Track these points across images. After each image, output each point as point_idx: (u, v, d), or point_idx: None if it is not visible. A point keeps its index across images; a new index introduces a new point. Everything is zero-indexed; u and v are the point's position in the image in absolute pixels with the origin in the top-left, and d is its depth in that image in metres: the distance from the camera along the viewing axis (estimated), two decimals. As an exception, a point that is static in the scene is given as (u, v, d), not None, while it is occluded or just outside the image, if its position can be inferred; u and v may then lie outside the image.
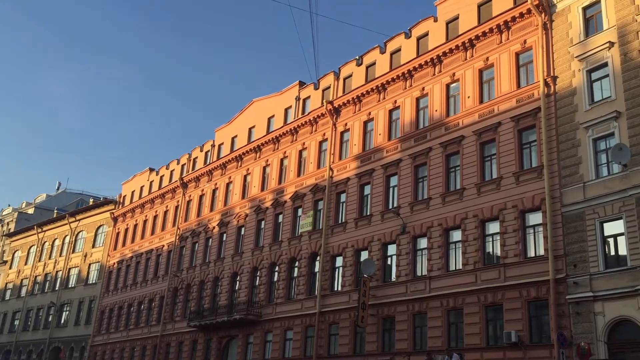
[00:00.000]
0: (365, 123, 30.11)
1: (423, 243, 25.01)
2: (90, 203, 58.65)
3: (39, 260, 59.31)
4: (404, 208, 26.09)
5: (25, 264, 61.24)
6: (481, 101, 24.48)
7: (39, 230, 60.13)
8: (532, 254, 21.00)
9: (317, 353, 27.71)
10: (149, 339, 40.97)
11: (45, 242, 59.94)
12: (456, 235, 23.79)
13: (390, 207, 27.09)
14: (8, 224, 68.89)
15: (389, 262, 26.48)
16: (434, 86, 26.70)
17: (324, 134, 32.35)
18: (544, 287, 19.97)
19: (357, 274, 27.62)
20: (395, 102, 28.51)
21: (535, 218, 21.29)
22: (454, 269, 23.44)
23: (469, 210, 23.32)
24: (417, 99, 27.50)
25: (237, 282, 35.20)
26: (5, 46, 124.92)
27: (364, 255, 27.60)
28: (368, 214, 28.01)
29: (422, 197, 25.75)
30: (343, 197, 29.97)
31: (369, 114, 29.84)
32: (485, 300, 21.64)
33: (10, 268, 63.40)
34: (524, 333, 20.09)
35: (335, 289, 28.62)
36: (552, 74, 21.96)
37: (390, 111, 28.80)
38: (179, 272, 40.46)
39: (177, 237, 42.10)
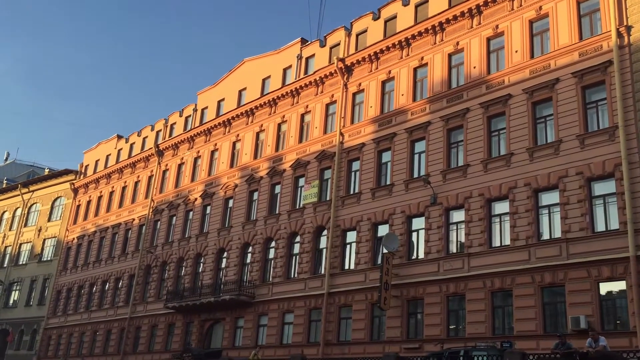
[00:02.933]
0: (384, 83, 26.76)
1: (459, 216, 21.92)
2: (46, 173, 53.27)
3: (-15, 235, 53.56)
4: (435, 176, 22.92)
5: (-31, 238, 55.27)
6: (532, 56, 21.48)
7: (-14, 201, 54.33)
8: (602, 228, 18.14)
9: (324, 339, 24.33)
10: (115, 321, 36.64)
11: (-8, 215, 54.21)
12: (501, 207, 20.76)
13: (416, 175, 23.89)
14: (-51, 194, 62.21)
15: (414, 238, 23.30)
16: (472, 40, 23.57)
17: (332, 96, 28.82)
18: (620, 266, 17.17)
19: (374, 250, 24.36)
20: (422, 59, 25.26)
21: (605, 187, 18.43)
22: (499, 245, 20.44)
23: (519, 179, 20.32)
24: (450, 55, 24.32)
25: (224, 260, 31.37)
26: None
27: (383, 229, 24.35)
28: (388, 183, 24.73)
29: (457, 164, 22.64)
30: (356, 165, 26.58)
31: (389, 72, 26.49)
32: (542, 281, 18.70)
33: (-50, 242, 57.24)
34: (594, 318, 17.25)
35: (347, 267, 25.26)
36: (625, 23, 19.14)
37: (416, 69, 25.53)
38: (153, 248, 36.23)
39: (151, 210, 37.80)
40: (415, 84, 25.41)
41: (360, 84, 27.67)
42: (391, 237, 23.08)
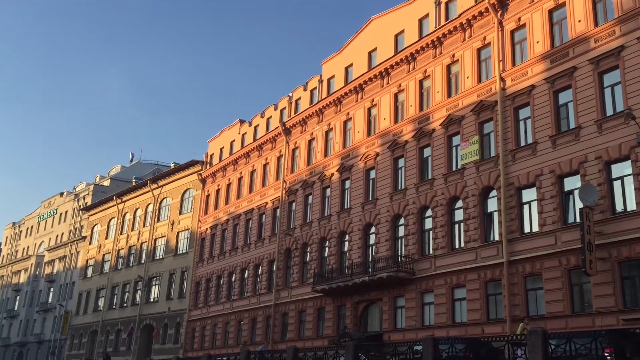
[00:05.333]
0: (551, 12, 22.68)
1: (680, 153, 17.66)
2: (172, 167, 53.42)
3: (121, 233, 54.80)
4: (639, 111, 18.71)
5: (106, 238, 56.92)
6: None
7: (119, 201, 55.55)
8: None
9: (510, 314, 20.87)
10: (260, 309, 35.16)
11: (126, 214, 55.34)
12: None
13: (610, 113, 19.76)
14: (84, 197, 64.86)
15: (616, 187, 19.24)
16: (671, -62, 19.05)
17: (484, 38, 25.10)
18: None
19: (562, 207, 20.53)
20: (602, -26, 20.97)
21: None
22: None
23: None
24: (641, -37, 19.88)
25: (373, 235, 28.63)
26: (68, 48, 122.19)
27: (571, 182, 20.51)
28: (573, 127, 20.76)
29: (670, 91, 18.32)
30: (525, 112, 22.80)
31: (557, -1, 22.42)
32: None
33: (90, 244, 59.38)
34: None
35: (528, 230, 21.61)
36: None
37: (594, -12, 21.31)
38: (291, 230, 34.30)
39: (284, 192, 35.92)
40: (595, 5, 21.17)
41: (519, 19, 23.75)
42: (588, 188, 19.17)
